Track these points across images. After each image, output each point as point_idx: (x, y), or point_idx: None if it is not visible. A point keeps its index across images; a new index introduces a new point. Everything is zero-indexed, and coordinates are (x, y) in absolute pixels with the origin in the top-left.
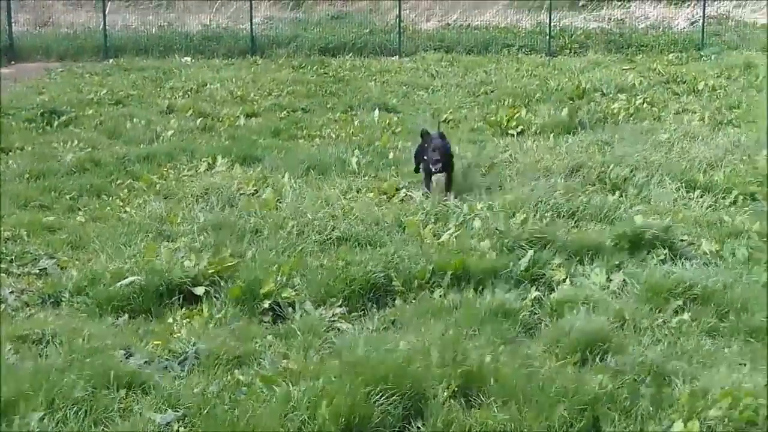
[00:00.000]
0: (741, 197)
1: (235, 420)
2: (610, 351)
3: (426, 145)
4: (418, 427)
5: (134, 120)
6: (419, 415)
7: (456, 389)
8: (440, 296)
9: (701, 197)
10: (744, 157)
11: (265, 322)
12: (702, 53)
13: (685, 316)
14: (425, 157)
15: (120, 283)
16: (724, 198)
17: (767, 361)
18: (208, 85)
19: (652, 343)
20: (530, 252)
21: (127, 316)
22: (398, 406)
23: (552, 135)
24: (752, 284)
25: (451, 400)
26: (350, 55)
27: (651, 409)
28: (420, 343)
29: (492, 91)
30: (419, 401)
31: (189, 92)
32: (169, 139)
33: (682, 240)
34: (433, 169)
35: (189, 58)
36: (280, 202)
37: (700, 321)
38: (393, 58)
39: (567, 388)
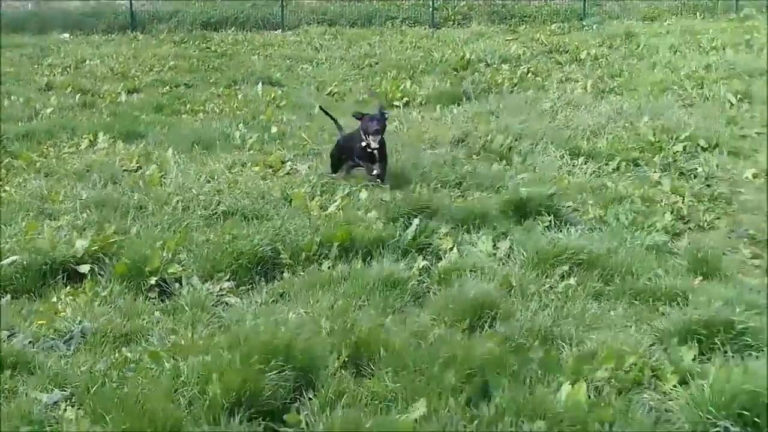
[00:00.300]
0: (624, 163)
1: (124, 397)
2: (498, 317)
3: (362, 120)
4: (310, 398)
5: (12, 98)
6: (310, 386)
7: (347, 359)
8: (328, 268)
9: (585, 164)
10: (626, 125)
11: (152, 298)
12: (584, 23)
13: (572, 280)
14: (356, 145)
15: (1, 263)
16: (607, 164)
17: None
18: (87, 62)
19: (539, 309)
20: (416, 222)
21: (9, 296)
22: (289, 379)
23: (437, 106)
24: (636, 248)
25: (342, 371)
26: (232, 29)
27: (539, 372)
28: (309, 315)
29: (376, 64)
30: (310, 373)
31: (68, 69)
32: (48, 117)
33: (567, 206)
34: (371, 141)
35: (68, 35)
36: (164, 178)
37: (586, 285)
38: (276, 32)
39: (456, 355)
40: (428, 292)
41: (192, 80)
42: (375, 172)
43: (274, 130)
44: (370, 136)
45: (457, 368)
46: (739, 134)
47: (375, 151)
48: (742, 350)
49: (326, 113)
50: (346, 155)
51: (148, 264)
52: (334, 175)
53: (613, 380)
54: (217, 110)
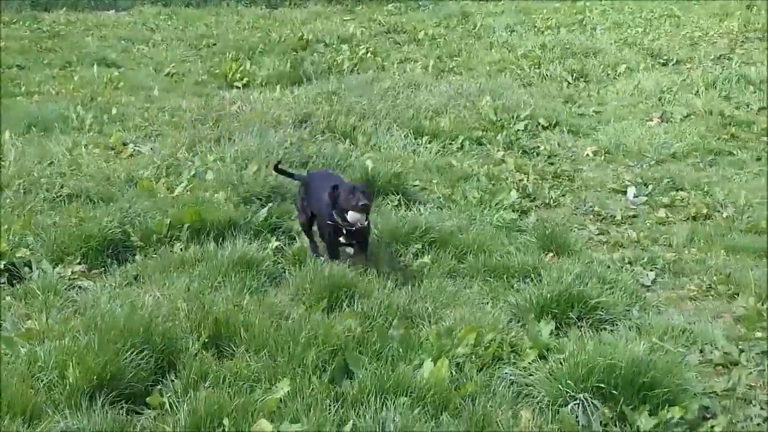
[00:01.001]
0: (467, 142)
1: None
2: (355, 296)
3: (336, 192)
4: (172, 380)
5: None
6: (172, 368)
7: (207, 340)
8: (181, 249)
9: (429, 143)
10: (467, 104)
11: (1, 283)
12: (420, 3)
13: (426, 259)
14: (330, 210)
15: None
16: (451, 144)
17: None
18: None
19: (396, 287)
20: (269, 204)
21: None
22: (150, 361)
23: (278, 86)
24: (486, 226)
25: (204, 352)
26: (64, 9)
27: (400, 350)
28: (166, 297)
29: (214, 44)
30: (171, 354)
31: None
32: None
33: (414, 185)
34: (359, 220)
35: None
36: (2, 162)
37: (440, 263)
38: (109, 13)
39: (317, 334)
40: (284, 272)
41: (24, 62)
42: (351, 251)
43: (114, 111)
44: (358, 214)
45: (319, 347)
46: (578, 113)
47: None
48: (597, 324)
49: (283, 172)
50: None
51: None
52: (309, 245)
53: (473, 356)
54: (54, 92)
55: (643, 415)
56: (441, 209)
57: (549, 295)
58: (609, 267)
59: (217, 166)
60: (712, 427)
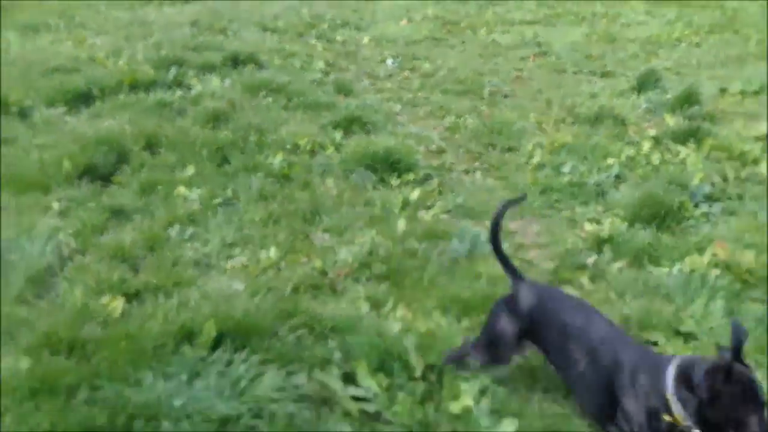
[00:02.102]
0: (295, 35)
1: None
2: (229, 120)
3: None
4: (126, 168)
5: None
6: (125, 162)
7: (144, 146)
8: (122, 97)
9: (272, 35)
10: (295, 12)
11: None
12: None
13: (270, 99)
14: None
15: None
16: (284, 35)
17: None
18: None
19: (253, 115)
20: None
21: None
22: (112, 157)
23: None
24: (306, 81)
25: (143, 152)
26: None
27: (256, 148)
28: (118, 123)
29: None
30: (125, 153)
31: None
32: None
33: (264, 59)
34: None
35: None
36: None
37: (278, 102)
38: None
39: (208, 141)
40: (186, 109)
41: None
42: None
43: (77, 19)
44: None
45: (210, 147)
46: (360, 17)
47: None
48: (368, 132)
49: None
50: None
51: None
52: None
53: (297, 150)
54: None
55: (393, 178)
56: (280, 71)
57: (341, 116)
58: (375, 103)
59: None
60: (432, 184)
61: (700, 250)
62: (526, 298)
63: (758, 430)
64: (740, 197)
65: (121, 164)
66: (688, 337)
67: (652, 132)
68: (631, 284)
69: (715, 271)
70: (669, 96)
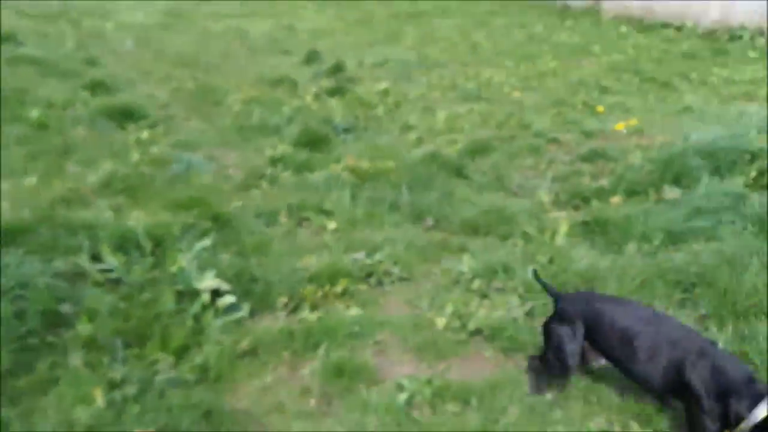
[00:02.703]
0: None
1: None
2: None
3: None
4: None
5: None
6: None
7: None
8: None
9: (29, 19)
10: None
11: None
12: None
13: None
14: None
15: None
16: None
17: None
18: None
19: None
20: None
21: None
22: None
23: None
24: None
25: None
26: None
27: None
28: None
29: None
30: None
31: None
32: None
33: (21, 38)
34: None
35: None
36: None
37: (42, 72)
38: None
39: None
40: None
41: None
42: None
43: None
44: None
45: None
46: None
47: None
48: (111, 92)
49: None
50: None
51: None
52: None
53: (53, 107)
54: None
55: (129, 124)
56: (35, 48)
57: (88, 81)
58: (117, 72)
59: None
60: (160, 128)
61: (337, 161)
62: (574, 308)
63: None
64: (365, 129)
65: None
66: (328, 213)
67: (314, 90)
68: (295, 185)
69: (345, 174)
70: (325, 67)
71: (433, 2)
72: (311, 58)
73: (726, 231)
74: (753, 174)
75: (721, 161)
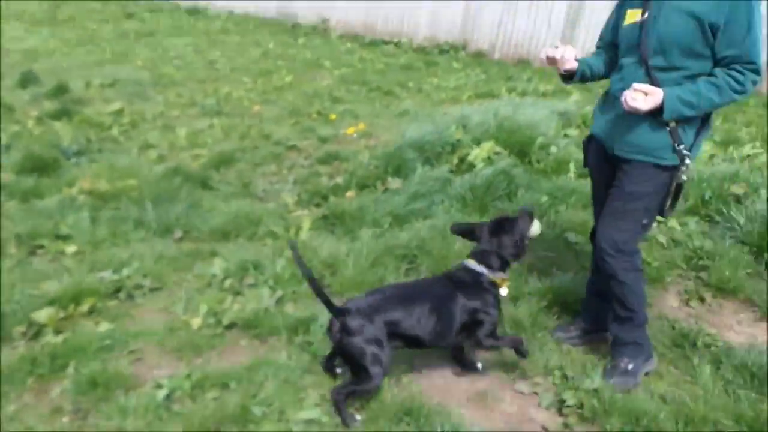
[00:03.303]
0: None
1: None
2: None
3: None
4: None
5: None
6: None
7: None
8: None
9: None
10: None
11: None
12: None
13: None
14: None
15: None
16: None
17: None
18: None
19: None
20: None
21: None
22: None
23: None
24: None
25: None
26: None
27: None
28: None
29: None
30: None
31: None
32: None
33: None
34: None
35: None
36: None
37: None
38: None
39: None
40: None
41: None
42: None
43: None
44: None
45: None
46: None
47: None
48: None
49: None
50: None
51: None
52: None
53: None
54: None
55: None
56: None
57: None
58: None
59: None
60: None
61: (70, 185)
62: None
63: None
64: (100, 150)
65: None
66: (66, 238)
67: (35, 113)
68: (23, 212)
69: (82, 197)
70: (46, 89)
71: (163, 21)
72: (27, 79)
73: (438, 210)
74: (455, 161)
75: (429, 153)
